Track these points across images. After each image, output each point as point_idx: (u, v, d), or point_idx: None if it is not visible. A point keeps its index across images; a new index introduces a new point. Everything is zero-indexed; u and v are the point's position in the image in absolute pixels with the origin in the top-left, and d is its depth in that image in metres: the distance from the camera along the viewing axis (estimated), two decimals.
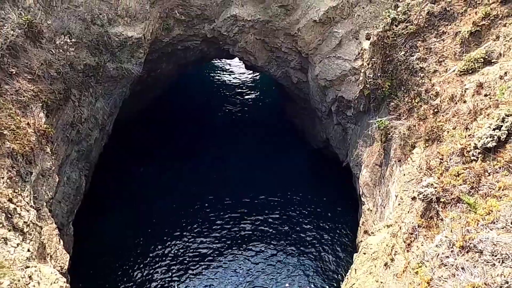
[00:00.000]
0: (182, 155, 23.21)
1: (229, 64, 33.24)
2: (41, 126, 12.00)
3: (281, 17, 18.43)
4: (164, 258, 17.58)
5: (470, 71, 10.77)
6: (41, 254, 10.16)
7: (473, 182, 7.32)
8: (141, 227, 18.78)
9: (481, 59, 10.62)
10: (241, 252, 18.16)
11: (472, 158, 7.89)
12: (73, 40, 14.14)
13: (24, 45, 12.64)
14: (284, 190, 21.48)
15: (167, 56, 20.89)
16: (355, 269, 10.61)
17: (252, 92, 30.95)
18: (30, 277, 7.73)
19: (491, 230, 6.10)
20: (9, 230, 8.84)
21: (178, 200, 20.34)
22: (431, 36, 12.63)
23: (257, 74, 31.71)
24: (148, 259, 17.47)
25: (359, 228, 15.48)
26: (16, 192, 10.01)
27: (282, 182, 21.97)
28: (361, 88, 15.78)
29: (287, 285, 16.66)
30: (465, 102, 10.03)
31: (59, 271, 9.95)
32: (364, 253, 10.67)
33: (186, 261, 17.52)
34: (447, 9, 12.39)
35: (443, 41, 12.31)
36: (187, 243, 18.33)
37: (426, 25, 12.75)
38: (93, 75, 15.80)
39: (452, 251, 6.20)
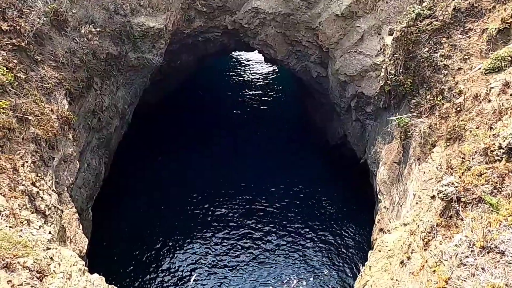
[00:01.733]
0: (200, 145, 23.42)
1: (249, 57, 33.23)
2: (64, 113, 12.26)
3: (302, 10, 18.29)
4: (180, 246, 17.84)
5: (497, 70, 10.48)
6: (61, 237, 10.43)
7: (496, 183, 7.16)
8: (158, 215, 19.09)
9: (509, 58, 10.30)
10: (254, 245, 18.27)
11: (496, 158, 7.70)
12: (97, 29, 14.35)
13: (49, 33, 12.89)
14: (299, 185, 21.46)
15: (187, 47, 21.03)
16: (370, 266, 10.54)
17: (271, 85, 30.90)
18: (51, 258, 7.95)
19: None
20: (32, 212, 9.10)
21: (195, 190, 20.58)
22: (456, 33, 12.32)
23: (276, 67, 31.63)
24: (165, 246, 17.76)
25: (374, 225, 15.36)
26: (39, 176, 10.28)
27: (297, 176, 21.95)
28: (382, 84, 15.55)
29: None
30: (490, 101, 9.78)
31: (78, 254, 10.20)
32: (380, 251, 10.59)
33: (202, 251, 17.74)
34: (475, 5, 12.05)
35: (469, 38, 11.99)
36: (204, 233, 18.55)
37: (451, 22, 12.43)
38: (115, 64, 16.03)
39: (472, 251, 6.10)
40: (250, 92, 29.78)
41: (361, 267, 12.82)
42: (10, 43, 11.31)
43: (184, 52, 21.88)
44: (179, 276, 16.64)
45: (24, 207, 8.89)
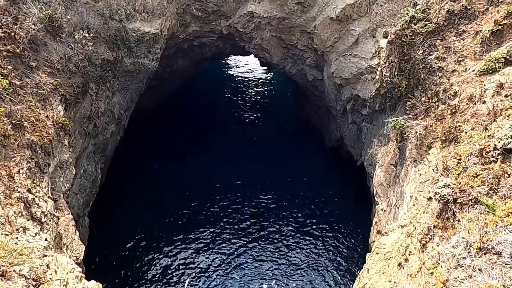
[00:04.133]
0: (196, 149, 23.40)
1: (244, 61, 33.30)
2: (59, 119, 12.22)
3: (297, 14, 18.37)
4: (177, 251, 17.76)
5: (491, 71, 10.55)
6: (57, 244, 10.36)
7: (492, 184, 7.18)
8: (155, 220, 19.02)
9: (502, 59, 10.39)
10: (252, 248, 18.23)
11: (491, 159, 7.73)
12: (91, 35, 14.34)
13: (44, 39, 12.87)
14: (296, 188, 21.47)
15: (183, 52, 21.05)
16: (368, 269, 10.54)
17: (267, 89, 30.95)
18: (47, 265, 7.88)
19: (510, 232, 5.99)
20: (28, 220, 9.03)
21: (192, 194, 20.53)
22: (450, 35, 12.42)
23: (272, 71, 31.70)
24: (162, 251, 17.68)
25: (372, 228, 15.37)
26: (35, 183, 10.22)
27: (294, 180, 21.96)
28: (377, 87, 15.63)
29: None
30: (484, 102, 9.84)
31: (74, 261, 10.13)
32: (377, 253, 10.59)
33: (199, 255, 17.68)
34: (468, 7, 12.15)
35: (463, 40, 12.09)
36: (200, 238, 18.48)
37: (445, 24, 12.53)
38: (110, 70, 16.01)
39: (469, 252, 6.11)
40: (246, 96, 29.81)
41: (358, 269, 12.81)
42: (5, 50, 11.28)
43: (180, 57, 21.90)
44: (176, 281, 16.56)
45: (20, 214, 8.82)
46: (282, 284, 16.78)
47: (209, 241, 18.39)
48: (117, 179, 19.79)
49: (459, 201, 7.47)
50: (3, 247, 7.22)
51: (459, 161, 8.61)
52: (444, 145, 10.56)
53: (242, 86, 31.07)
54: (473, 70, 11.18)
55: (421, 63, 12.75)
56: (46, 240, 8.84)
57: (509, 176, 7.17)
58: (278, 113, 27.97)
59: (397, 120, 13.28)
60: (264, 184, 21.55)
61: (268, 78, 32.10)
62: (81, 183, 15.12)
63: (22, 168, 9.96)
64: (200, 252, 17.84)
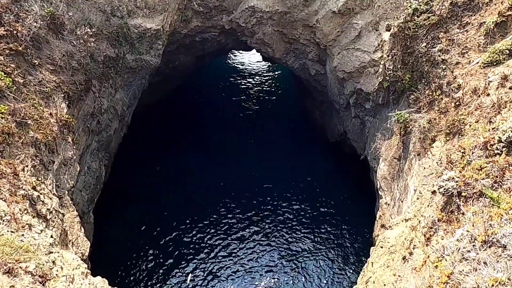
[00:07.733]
0: (199, 146, 23.41)
1: (247, 56, 33.23)
2: (63, 116, 12.26)
3: (299, 8, 18.27)
4: (180, 246, 17.84)
5: (495, 63, 10.48)
6: (63, 240, 10.44)
7: (497, 176, 7.15)
8: (160, 216, 19.09)
9: (507, 51, 10.30)
10: (256, 242, 18.29)
11: (495, 151, 7.70)
12: (93, 31, 14.33)
13: (46, 37, 12.88)
14: (300, 183, 21.47)
15: (185, 47, 21.00)
16: (372, 263, 10.56)
17: (269, 84, 30.88)
18: (53, 262, 7.95)
19: None
20: (33, 217, 9.09)
21: (195, 191, 20.57)
22: (454, 27, 12.31)
23: (275, 66, 31.61)
24: (166, 247, 17.77)
25: (376, 222, 15.37)
26: (40, 180, 10.28)
27: (297, 175, 21.95)
28: (381, 80, 15.56)
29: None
30: (488, 95, 9.78)
31: (80, 257, 10.21)
32: (382, 247, 10.60)
33: (201, 252, 17.75)
34: None
35: (467, 32, 11.98)
36: (203, 234, 18.55)
37: (449, 16, 12.43)
38: (113, 66, 16.02)
39: (474, 245, 6.10)
40: (248, 92, 29.76)
41: (363, 263, 12.83)
42: (8, 48, 11.30)
43: (182, 53, 21.86)
44: (181, 276, 16.66)
45: (25, 211, 8.88)
46: (286, 278, 16.83)
47: (211, 236, 18.46)
48: (121, 176, 19.86)
49: (463, 194, 7.45)
50: (9, 244, 7.28)
51: (463, 154, 8.58)
52: (448, 138, 10.52)
53: (244, 81, 31.01)
54: (477, 62, 11.10)
55: (424, 56, 12.67)
56: (51, 237, 8.89)
57: None
58: (281, 108, 27.92)
59: (400, 113, 13.22)
60: (266, 179, 21.56)
61: (270, 73, 32.01)
62: (86, 180, 15.18)
63: (27, 166, 10.01)
64: (203, 247, 17.91)
